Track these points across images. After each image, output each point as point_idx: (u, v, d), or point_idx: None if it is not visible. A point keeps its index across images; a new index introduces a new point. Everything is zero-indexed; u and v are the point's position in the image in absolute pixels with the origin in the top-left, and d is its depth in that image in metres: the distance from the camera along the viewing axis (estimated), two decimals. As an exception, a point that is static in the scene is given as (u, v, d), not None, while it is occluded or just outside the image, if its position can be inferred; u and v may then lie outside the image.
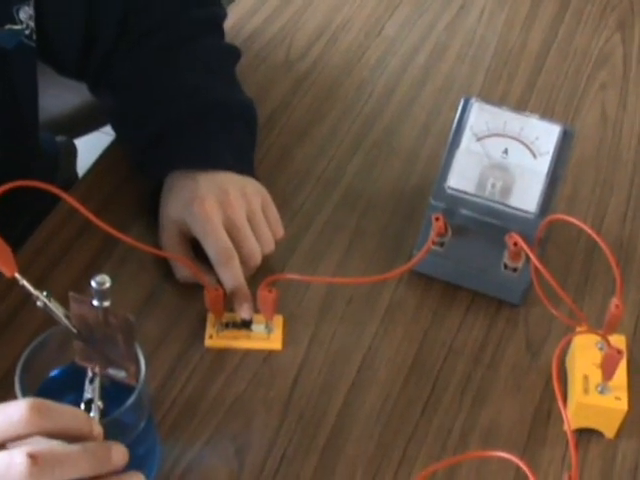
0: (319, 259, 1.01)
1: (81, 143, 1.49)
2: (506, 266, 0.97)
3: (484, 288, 0.99)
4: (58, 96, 1.37)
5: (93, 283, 0.72)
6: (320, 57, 1.27)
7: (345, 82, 1.24)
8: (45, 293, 0.74)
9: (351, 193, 1.09)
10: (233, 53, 1.12)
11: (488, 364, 0.94)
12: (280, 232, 0.99)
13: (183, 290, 0.97)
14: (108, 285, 0.73)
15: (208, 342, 0.94)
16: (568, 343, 0.90)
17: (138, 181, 1.06)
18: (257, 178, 1.02)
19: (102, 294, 0.74)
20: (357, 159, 1.13)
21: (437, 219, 0.96)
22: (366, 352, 0.94)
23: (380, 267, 1.00)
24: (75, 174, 1.38)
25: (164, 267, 0.99)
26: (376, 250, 1.03)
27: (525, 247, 0.92)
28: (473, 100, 0.99)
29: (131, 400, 0.75)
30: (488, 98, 1.14)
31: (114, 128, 1.08)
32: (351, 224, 1.05)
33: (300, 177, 1.10)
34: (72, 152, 1.38)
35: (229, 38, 1.17)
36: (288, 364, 0.93)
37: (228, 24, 1.19)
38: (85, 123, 1.48)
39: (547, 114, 1.21)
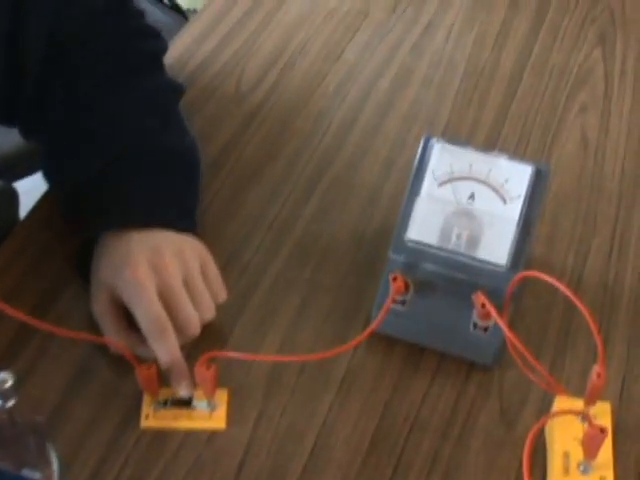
0: (269, 322, 0.92)
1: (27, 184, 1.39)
2: (476, 325, 0.87)
3: (452, 349, 0.89)
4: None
5: (-7, 382, 0.63)
6: (274, 87, 1.17)
7: (301, 113, 1.13)
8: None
9: (306, 241, 0.99)
10: (175, 90, 1.02)
11: (457, 438, 0.84)
12: (222, 296, 0.89)
13: (118, 363, 0.87)
14: (10, 384, 0.65)
15: (144, 423, 0.84)
16: (542, 426, 0.80)
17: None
18: (201, 230, 0.93)
19: (4, 394, 0.65)
20: (313, 201, 1.03)
21: (395, 279, 0.85)
22: (320, 429, 0.84)
23: (337, 329, 0.91)
24: (16, 219, 1.27)
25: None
26: (332, 308, 0.93)
27: (492, 311, 0.81)
28: (434, 140, 0.89)
29: None
30: (457, 126, 1.05)
31: (45, 176, 0.98)
32: (305, 278, 0.95)
33: (250, 224, 1.00)
34: (11, 196, 1.27)
35: (176, 70, 1.07)
36: (233, 445, 0.83)
37: (174, 54, 1.09)
38: (26, 164, 1.37)
39: (522, 142, 1.11)
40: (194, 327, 0.85)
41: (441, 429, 0.85)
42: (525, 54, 1.24)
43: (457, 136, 1.10)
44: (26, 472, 0.69)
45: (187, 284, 0.86)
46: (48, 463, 0.69)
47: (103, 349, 0.88)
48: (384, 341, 0.90)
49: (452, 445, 0.84)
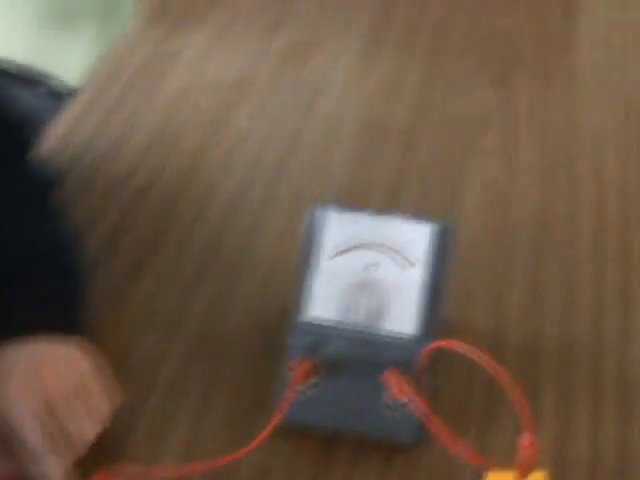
0: (168, 427, 0.83)
1: None
2: (390, 404, 0.79)
3: (369, 433, 0.81)
4: None
5: None
6: (156, 169, 1.09)
7: (186, 195, 1.06)
8: None
9: (201, 333, 0.90)
10: (46, 182, 0.93)
11: None
12: (109, 405, 0.80)
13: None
14: None
15: None
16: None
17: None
18: (87, 331, 0.84)
19: None
20: (205, 288, 0.94)
21: (293, 368, 0.77)
22: None
23: (242, 426, 0.83)
24: None
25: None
26: (235, 404, 0.85)
27: (404, 390, 0.74)
28: (325, 209, 0.82)
29: None
30: (353, 189, 0.97)
31: None
32: (203, 374, 0.86)
33: (139, 321, 0.91)
34: None
35: (52, 158, 1.00)
36: None
37: (51, 143, 1.01)
38: None
39: (424, 198, 1.04)
40: (78, 445, 0.76)
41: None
42: (419, 104, 1.18)
43: (354, 199, 1.03)
44: None
45: (69, 398, 0.77)
46: None
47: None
48: (294, 433, 0.81)
49: None
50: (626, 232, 1.02)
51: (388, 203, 1.03)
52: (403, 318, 0.79)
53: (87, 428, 0.78)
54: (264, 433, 0.75)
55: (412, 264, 0.81)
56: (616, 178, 1.08)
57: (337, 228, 0.82)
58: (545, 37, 1.30)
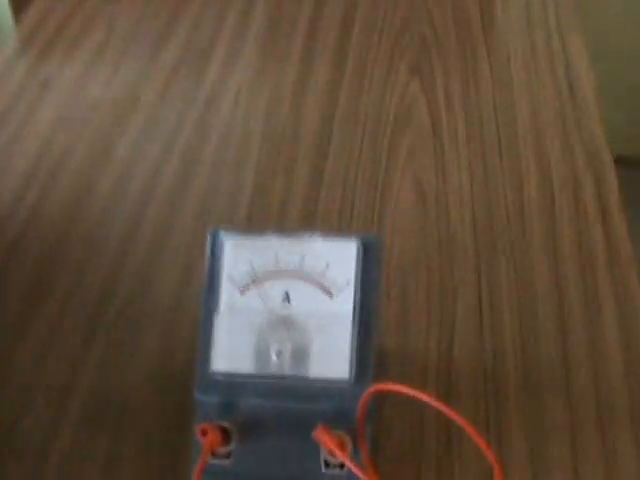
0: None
1: None
2: (328, 463, 0.63)
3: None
4: None
5: None
6: (35, 209, 0.94)
7: (70, 235, 0.90)
8: None
9: (96, 399, 0.74)
10: None
11: None
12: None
13: None
14: None
15: None
16: None
17: None
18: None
19: None
20: (98, 344, 0.78)
21: (204, 432, 0.61)
22: None
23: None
24: None
25: None
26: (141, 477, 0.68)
27: (341, 455, 0.58)
28: (223, 235, 0.66)
29: None
30: (263, 208, 0.82)
31: None
32: (101, 450, 0.70)
33: (23, 392, 0.74)
34: None
35: None
36: None
37: None
38: None
39: (345, 210, 0.88)
40: None
41: None
42: (330, 106, 1.03)
43: (262, 220, 0.87)
44: None
45: None
46: None
47: None
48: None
49: None
50: (582, 224, 0.87)
51: (304, 222, 0.87)
52: (332, 359, 0.64)
53: None
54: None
55: (336, 291, 0.65)
56: (562, 166, 0.94)
57: (240, 257, 0.66)
58: (465, 19, 1.16)
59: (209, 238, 0.67)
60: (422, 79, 1.07)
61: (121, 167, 0.97)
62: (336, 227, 0.85)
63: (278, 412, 0.65)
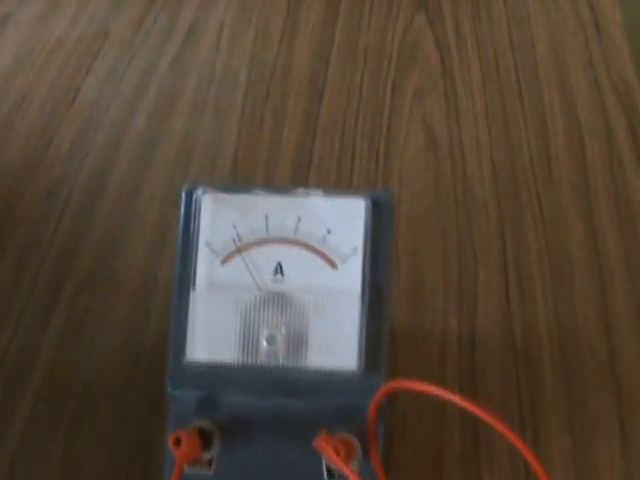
0: None
1: None
2: (332, 473, 0.51)
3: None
4: None
5: None
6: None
7: (27, 192, 0.76)
8: None
9: (53, 385, 0.62)
10: None
11: None
12: None
13: None
14: None
15: None
16: None
17: None
18: None
19: None
20: (57, 320, 0.66)
21: (177, 440, 0.48)
22: None
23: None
24: None
25: None
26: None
27: (345, 467, 0.46)
28: (200, 192, 0.53)
29: None
30: (249, 161, 0.71)
31: None
32: (58, 447, 0.57)
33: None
34: None
35: None
36: None
37: None
38: None
39: (344, 162, 0.75)
40: None
41: None
42: (324, 42, 0.90)
43: (246, 177, 0.74)
44: None
45: None
46: None
47: None
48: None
49: None
50: (618, 174, 0.74)
51: (295, 177, 0.74)
52: (335, 346, 0.51)
53: None
54: None
55: (340, 260, 0.52)
56: (591, 109, 0.81)
57: (221, 219, 0.53)
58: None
59: (183, 195, 0.55)
60: (428, 12, 0.94)
61: (87, 113, 0.84)
62: (334, 182, 0.73)
63: (269, 411, 0.52)
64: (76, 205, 0.75)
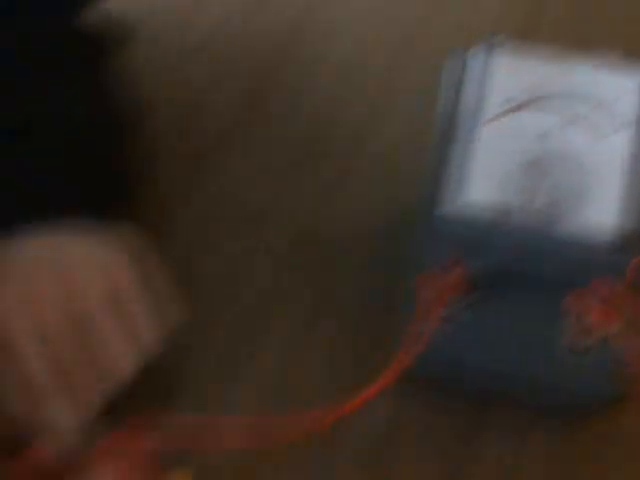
0: (243, 367, 0.58)
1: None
2: (573, 345, 0.50)
3: (539, 386, 0.52)
4: None
5: None
6: (240, 35, 0.80)
7: (289, 54, 0.77)
8: None
9: (300, 236, 0.65)
10: (86, 41, 0.67)
11: None
12: (159, 332, 0.54)
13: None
14: None
15: None
16: None
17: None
18: (133, 224, 0.58)
19: None
20: (306, 183, 0.67)
21: (425, 283, 0.49)
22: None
23: (352, 364, 0.57)
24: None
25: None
26: (343, 332, 0.58)
27: (608, 320, 0.46)
28: (490, 49, 0.54)
29: None
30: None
31: None
32: (298, 293, 0.60)
33: (217, 216, 0.66)
34: None
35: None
36: None
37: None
38: None
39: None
40: (104, 383, 0.51)
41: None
42: None
43: (522, 36, 0.74)
44: None
45: (97, 315, 0.53)
46: None
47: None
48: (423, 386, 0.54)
49: None
50: None
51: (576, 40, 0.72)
52: (600, 212, 0.51)
53: (120, 359, 0.53)
54: (382, 380, 0.48)
55: (612, 131, 0.52)
56: None
57: (506, 77, 0.54)
58: None
59: (469, 53, 0.55)
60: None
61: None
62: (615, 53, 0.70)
63: (524, 269, 0.52)
64: (330, 74, 0.76)
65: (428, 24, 0.79)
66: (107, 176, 0.61)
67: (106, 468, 0.50)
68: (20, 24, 0.63)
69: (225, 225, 0.67)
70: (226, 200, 0.68)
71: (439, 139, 0.55)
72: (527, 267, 0.52)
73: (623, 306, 0.49)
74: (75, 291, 0.53)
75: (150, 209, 0.64)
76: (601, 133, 0.53)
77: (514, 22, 0.78)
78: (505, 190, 0.53)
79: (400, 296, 0.55)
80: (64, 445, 0.51)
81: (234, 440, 0.50)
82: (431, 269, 0.53)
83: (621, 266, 0.51)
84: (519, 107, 0.54)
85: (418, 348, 0.49)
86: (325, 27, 0.79)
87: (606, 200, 0.52)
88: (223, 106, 0.74)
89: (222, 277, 0.63)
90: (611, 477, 0.54)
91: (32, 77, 0.62)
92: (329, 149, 0.71)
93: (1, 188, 0.56)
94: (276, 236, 0.66)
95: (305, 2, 0.81)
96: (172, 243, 0.62)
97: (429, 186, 0.54)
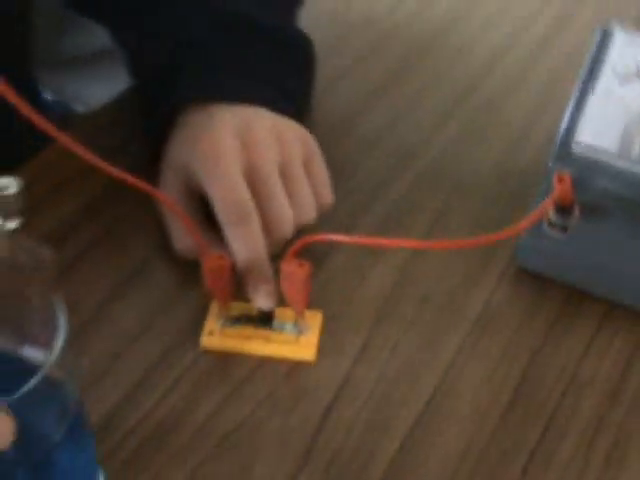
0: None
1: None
2: None
3: (628, 299, 0.65)
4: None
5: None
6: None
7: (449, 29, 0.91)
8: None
9: (435, 171, 0.77)
10: None
11: (631, 403, 0.59)
12: (326, 197, 0.68)
13: (181, 267, 0.67)
14: (13, 191, 0.43)
15: (206, 340, 0.63)
16: None
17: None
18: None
19: (3, 206, 0.43)
20: (449, 129, 0.81)
21: (561, 180, 0.62)
22: (443, 374, 0.61)
23: (471, 264, 0.68)
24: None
25: (160, 232, 0.69)
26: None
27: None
28: (616, 29, 0.67)
29: (30, 385, 0.42)
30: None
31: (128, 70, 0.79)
32: (432, 206, 0.73)
33: (367, 147, 0.78)
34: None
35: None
36: (322, 384, 0.62)
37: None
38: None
39: None
40: (285, 227, 0.65)
41: (608, 391, 0.61)
42: None
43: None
44: (28, 351, 0.48)
45: (283, 173, 0.66)
46: (53, 332, 0.46)
47: (163, 251, 0.68)
48: (535, 280, 0.67)
49: (624, 412, 0.60)
50: None
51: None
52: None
53: (292, 214, 0.65)
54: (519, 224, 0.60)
55: None
56: None
57: (628, 51, 0.67)
58: None
59: (599, 31, 0.69)
60: None
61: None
62: None
63: (628, 202, 0.65)
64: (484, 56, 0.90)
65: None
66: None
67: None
68: None
69: (378, 150, 0.80)
70: (376, 137, 0.81)
71: (576, 92, 0.68)
72: (632, 198, 0.65)
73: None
74: (281, 143, 0.67)
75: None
76: None
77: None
78: (618, 139, 0.66)
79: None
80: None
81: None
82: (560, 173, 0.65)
83: None
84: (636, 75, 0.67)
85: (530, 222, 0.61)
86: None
87: None
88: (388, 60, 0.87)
89: (366, 185, 0.76)
90: None
91: None
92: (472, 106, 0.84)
93: None
94: (414, 165, 0.78)
95: None
96: (329, 160, 0.73)
97: (562, 128, 0.67)
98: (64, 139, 0.49)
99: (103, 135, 0.77)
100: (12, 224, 0.45)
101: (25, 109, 0.46)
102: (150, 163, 0.70)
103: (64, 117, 0.99)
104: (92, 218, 0.71)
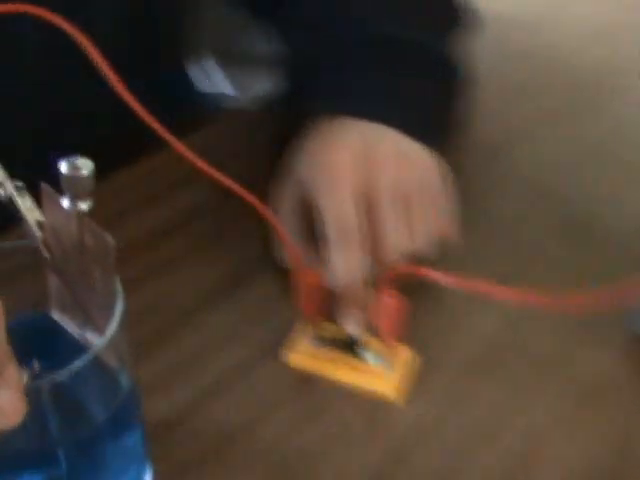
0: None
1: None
2: None
3: None
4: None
5: (63, 167, 0.43)
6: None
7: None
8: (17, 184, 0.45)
9: (581, 216, 0.72)
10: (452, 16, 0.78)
11: None
12: (446, 229, 0.63)
13: (275, 279, 0.66)
14: (87, 173, 0.44)
15: (293, 358, 0.60)
16: None
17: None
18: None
19: (76, 187, 0.44)
20: (603, 178, 0.75)
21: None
22: (528, 439, 0.56)
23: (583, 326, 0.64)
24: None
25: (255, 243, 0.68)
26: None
27: None
28: None
29: (76, 365, 0.42)
30: None
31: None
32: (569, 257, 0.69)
33: (509, 182, 0.74)
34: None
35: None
36: (402, 426, 0.58)
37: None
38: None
39: None
40: (393, 253, 0.61)
41: None
42: None
43: None
44: (90, 335, 0.48)
45: (401, 199, 0.63)
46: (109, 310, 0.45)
47: (261, 259, 0.67)
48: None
49: None
50: None
51: None
52: None
53: (403, 242, 0.62)
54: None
55: None
56: None
57: None
58: None
59: None
60: None
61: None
62: None
63: None
64: None
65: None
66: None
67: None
68: None
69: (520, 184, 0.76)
70: (520, 174, 0.77)
71: None
72: None
73: None
74: (405, 168, 0.64)
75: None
76: None
77: None
78: None
79: None
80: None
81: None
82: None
83: None
84: None
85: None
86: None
87: None
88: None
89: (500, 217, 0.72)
90: None
91: None
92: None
93: None
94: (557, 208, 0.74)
95: None
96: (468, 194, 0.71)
97: None
98: (178, 145, 0.48)
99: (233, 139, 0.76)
100: (84, 206, 0.44)
101: (144, 114, 0.46)
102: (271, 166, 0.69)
103: (215, 110, 0.99)
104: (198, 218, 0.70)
